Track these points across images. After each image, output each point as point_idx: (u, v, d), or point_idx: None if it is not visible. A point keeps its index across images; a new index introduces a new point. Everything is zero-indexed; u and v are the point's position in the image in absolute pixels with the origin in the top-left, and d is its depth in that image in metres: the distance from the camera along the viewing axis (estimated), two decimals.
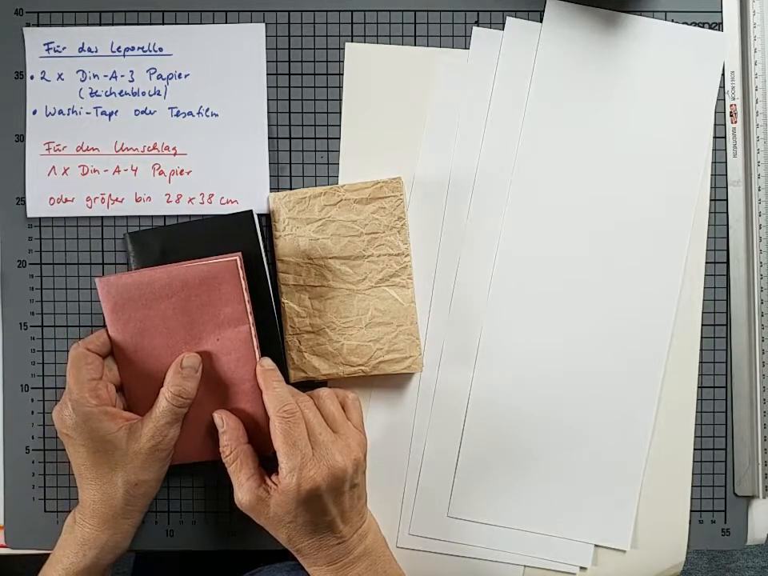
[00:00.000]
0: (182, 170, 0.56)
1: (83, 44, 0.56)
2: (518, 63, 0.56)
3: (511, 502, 0.56)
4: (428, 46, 0.56)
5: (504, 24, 0.56)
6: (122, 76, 0.56)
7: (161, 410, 0.50)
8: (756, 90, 0.55)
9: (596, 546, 0.56)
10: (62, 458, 0.56)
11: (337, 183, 0.56)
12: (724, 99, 0.56)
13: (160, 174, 0.56)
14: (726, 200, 0.56)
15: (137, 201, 0.56)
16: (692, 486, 0.56)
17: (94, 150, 0.56)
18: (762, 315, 0.56)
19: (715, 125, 0.56)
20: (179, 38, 0.56)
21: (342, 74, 0.56)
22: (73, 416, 0.49)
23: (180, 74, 0.56)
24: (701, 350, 0.56)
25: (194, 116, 0.56)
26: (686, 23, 0.56)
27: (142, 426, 0.50)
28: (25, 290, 0.56)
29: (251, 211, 0.55)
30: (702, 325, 0.56)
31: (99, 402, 0.50)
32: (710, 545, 0.57)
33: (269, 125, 0.56)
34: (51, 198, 0.56)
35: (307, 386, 0.55)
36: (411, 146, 0.56)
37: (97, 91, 0.56)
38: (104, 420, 0.50)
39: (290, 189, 0.56)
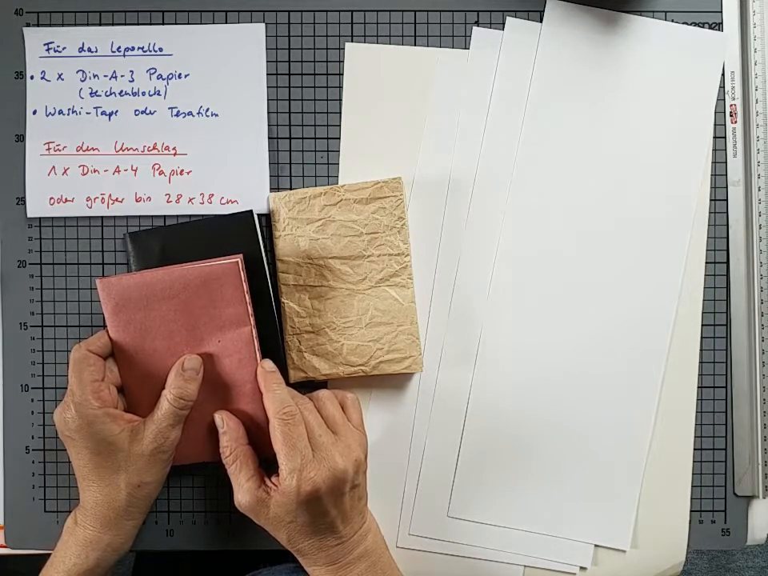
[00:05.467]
0: (182, 170, 0.56)
1: (83, 44, 0.56)
2: (518, 63, 0.56)
3: (511, 502, 0.56)
4: (428, 45, 0.56)
5: (504, 24, 0.56)
6: (122, 76, 0.56)
7: (163, 412, 0.50)
8: (756, 90, 0.55)
9: (596, 546, 0.56)
10: (62, 457, 0.56)
11: (337, 183, 0.56)
12: (724, 99, 0.56)
13: (160, 174, 0.56)
14: (726, 200, 0.56)
15: (137, 201, 0.56)
16: (692, 486, 0.56)
17: (94, 150, 0.56)
18: (762, 315, 0.56)
19: (715, 125, 0.56)
20: (179, 38, 0.56)
21: (342, 74, 0.56)
22: (76, 418, 0.49)
23: (180, 74, 0.56)
24: (701, 350, 0.56)
25: (193, 116, 0.56)
26: (686, 23, 0.56)
27: (145, 428, 0.50)
28: (25, 290, 0.56)
29: (251, 211, 0.55)
30: (702, 325, 0.56)
31: (102, 403, 0.50)
32: (710, 545, 0.57)
33: (269, 125, 0.56)
34: (51, 198, 0.56)
35: (307, 386, 0.55)
36: (411, 145, 0.56)
37: (97, 91, 0.56)
38: (107, 422, 0.49)
39: (290, 189, 0.56)
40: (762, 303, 0.56)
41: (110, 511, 0.50)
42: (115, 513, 0.50)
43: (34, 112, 0.56)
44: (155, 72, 0.56)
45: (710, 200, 0.56)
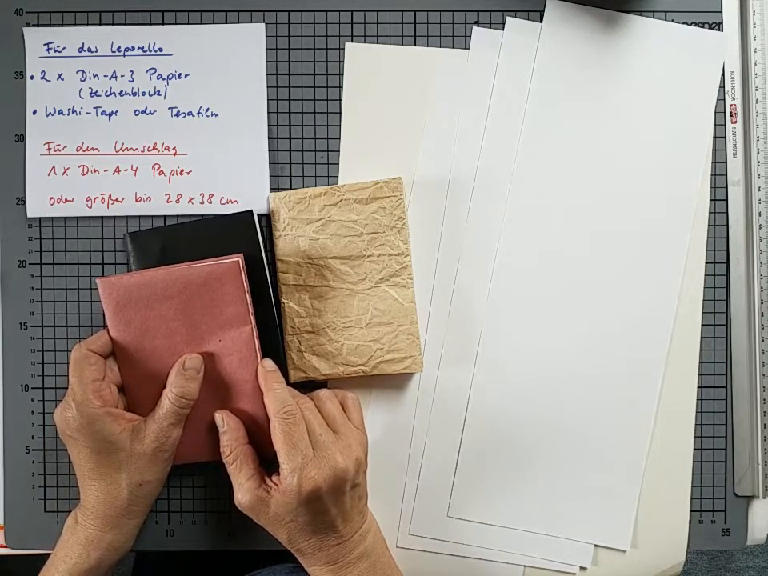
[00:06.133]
0: (182, 170, 0.56)
1: (83, 44, 0.56)
2: (518, 63, 0.56)
3: (511, 502, 0.56)
4: (428, 45, 0.56)
5: (504, 24, 0.56)
6: (122, 76, 0.56)
7: (164, 412, 0.50)
8: (756, 90, 0.55)
9: (596, 546, 0.56)
10: (62, 457, 0.56)
11: (337, 183, 0.56)
12: (724, 99, 0.56)
13: (160, 174, 0.56)
14: (726, 200, 0.56)
15: (137, 201, 0.56)
16: (692, 486, 0.56)
17: (94, 150, 0.56)
18: (762, 315, 0.56)
19: (715, 125, 0.56)
20: (179, 38, 0.56)
21: (342, 74, 0.56)
22: (77, 418, 0.49)
23: (180, 74, 0.56)
24: (701, 350, 0.56)
25: (193, 116, 0.56)
26: (686, 23, 0.56)
27: (146, 427, 0.50)
28: (25, 290, 0.56)
29: (251, 211, 0.55)
30: (702, 325, 0.56)
31: (103, 403, 0.50)
32: (710, 545, 0.57)
33: (269, 125, 0.56)
34: (51, 198, 0.56)
35: (307, 386, 0.55)
36: (411, 145, 0.56)
37: (97, 91, 0.56)
38: (108, 421, 0.49)
39: (290, 189, 0.56)
40: (762, 303, 0.56)
41: (112, 510, 0.50)
42: (116, 512, 0.50)
43: (34, 112, 0.56)
44: (155, 72, 0.56)
45: (710, 200, 0.56)
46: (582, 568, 0.56)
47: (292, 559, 0.52)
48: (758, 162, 0.55)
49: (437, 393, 0.56)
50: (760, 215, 0.55)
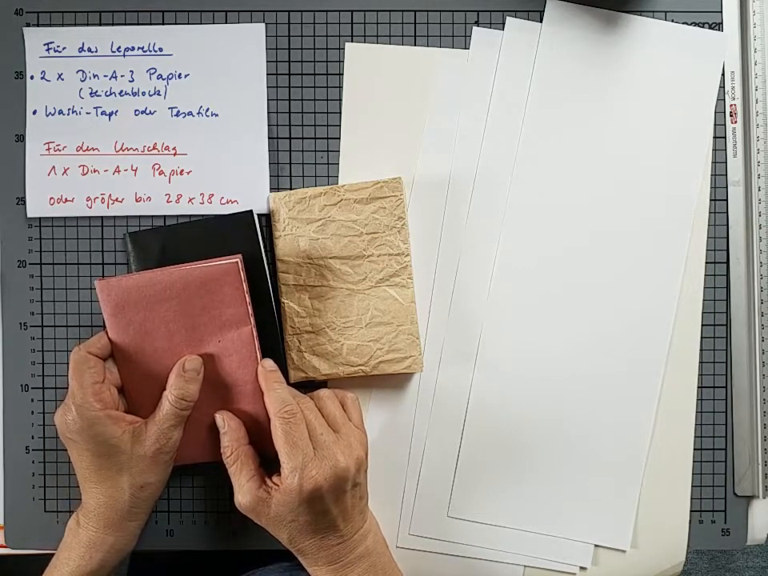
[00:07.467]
0: (182, 170, 0.56)
1: (83, 44, 0.56)
2: (518, 63, 0.56)
3: (511, 501, 0.56)
4: (428, 45, 0.56)
5: (504, 24, 0.56)
6: (122, 76, 0.56)
7: (164, 414, 0.50)
8: (756, 90, 0.55)
9: (596, 546, 0.56)
10: (62, 458, 0.56)
11: (337, 183, 0.56)
12: (724, 99, 0.56)
13: (160, 174, 0.56)
14: (726, 200, 0.56)
15: (137, 201, 0.56)
16: (692, 486, 0.56)
17: (94, 150, 0.56)
18: (762, 315, 0.56)
19: (715, 125, 0.56)
20: (179, 38, 0.56)
21: (342, 74, 0.56)
22: (77, 420, 0.49)
23: (180, 74, 0.56)
24: (701, 350, 0.56)
25: (193, 116, 0.56)
26: (686, 23, 0.56)
27: (146, 430, 0.50)
28: (25, 290, 0.56)
29: (251, 211, 0.55)
30: (702, 325, 0.56)
31: (103, 405, 0.50)
32: (710, 545, 0.57)
33: (269, 125, 0.56)
34: (51, 198, 0.56)
35: (307, 386, 0.55)
36: (411, 145, 0.56)
37: (97, 91, 0.56)
38: (108, 424, 0.49)
39: (290, 189, 0.56)
40: (762, 303, 0.56)
41: (113, 513, 0.50)
42: (118, 514, 0.50)
43: (34, 112, 0.56)
44: (155, 72, 0.56)
45: (710, 200, 0.56)
46: (581, 568, 0.56)
47: (291, 558, 0.52)
48: (758, 162, 0.55)
49: (437, 393, 0.56)
50: (760, 215, 0.55)
